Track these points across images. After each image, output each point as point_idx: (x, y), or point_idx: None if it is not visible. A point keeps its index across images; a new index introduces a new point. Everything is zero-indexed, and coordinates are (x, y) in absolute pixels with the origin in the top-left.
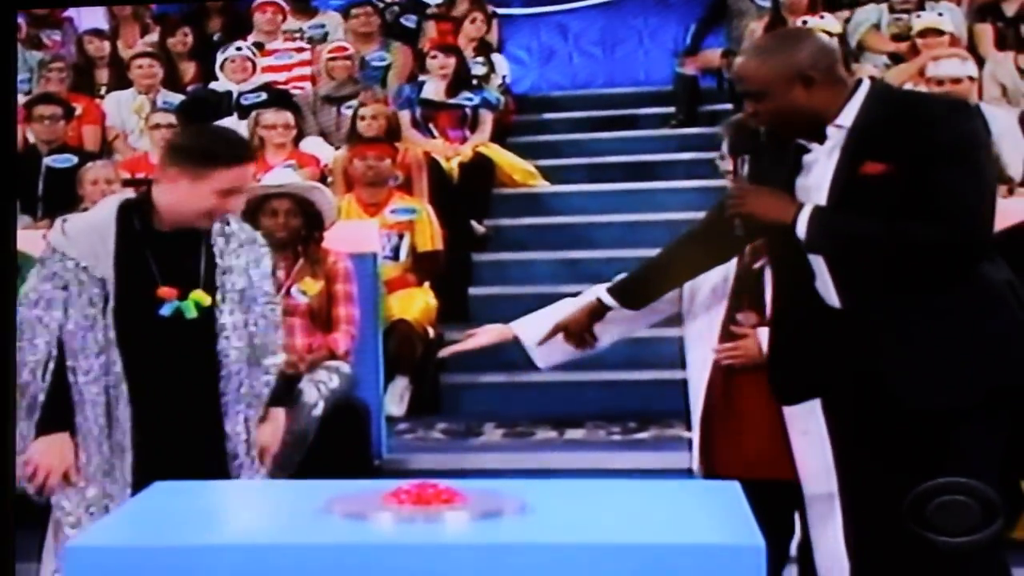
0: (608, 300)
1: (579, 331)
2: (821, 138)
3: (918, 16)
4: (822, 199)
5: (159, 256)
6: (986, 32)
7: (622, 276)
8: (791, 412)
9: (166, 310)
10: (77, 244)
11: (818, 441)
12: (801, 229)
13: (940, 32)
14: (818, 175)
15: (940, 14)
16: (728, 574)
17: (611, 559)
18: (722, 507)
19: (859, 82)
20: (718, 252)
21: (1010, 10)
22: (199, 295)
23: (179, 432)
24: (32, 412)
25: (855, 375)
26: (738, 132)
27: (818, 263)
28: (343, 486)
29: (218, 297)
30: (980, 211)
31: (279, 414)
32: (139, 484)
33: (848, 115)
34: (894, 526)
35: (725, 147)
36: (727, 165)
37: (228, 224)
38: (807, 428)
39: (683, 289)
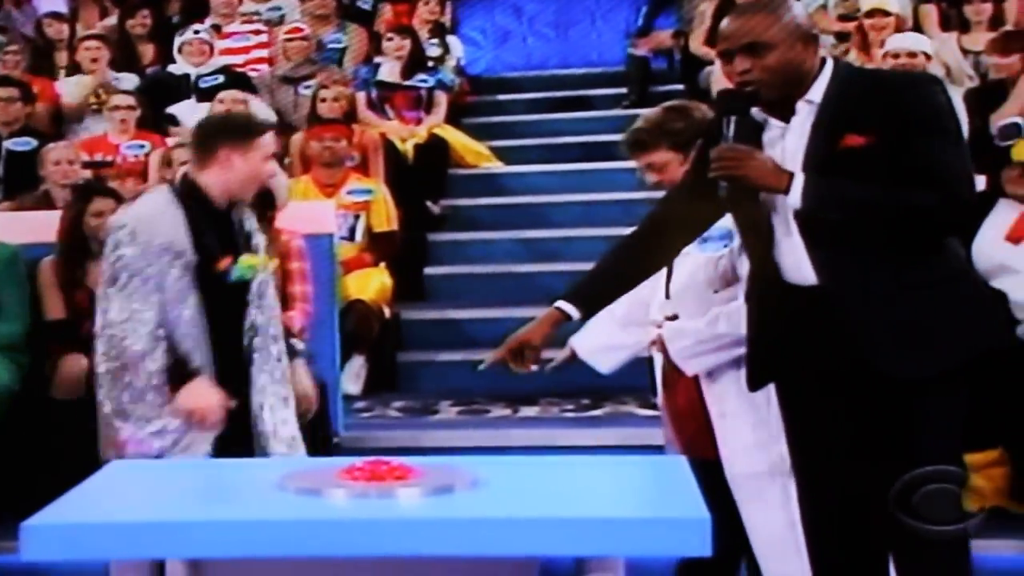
0: (567, 308)
1: (537, 342)
2: (786, 114)
3: None
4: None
5: (213, 231)
6: (931, 13)
7: (576, 283)
8: (710, 394)
9: (234, 274)
10: (157, 229)
11: (737, 423)
12: (795, 196)
13: (886, 13)
14: (790, 150)
15: None
16: (675, 547)
17: (559, 533)
18: (669, 482)
19: (824, 60)
20: (678, 238)
21: None
22: (250, 259)
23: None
24: (150, 379)
25: (829, 348)
26: (730, 95)
27: (792, 239)
28: (298, 463)
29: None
30: (966, 176)
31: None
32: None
33: (817, 91)
34: (856, 506)
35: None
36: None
37: None
38: (723, 411)
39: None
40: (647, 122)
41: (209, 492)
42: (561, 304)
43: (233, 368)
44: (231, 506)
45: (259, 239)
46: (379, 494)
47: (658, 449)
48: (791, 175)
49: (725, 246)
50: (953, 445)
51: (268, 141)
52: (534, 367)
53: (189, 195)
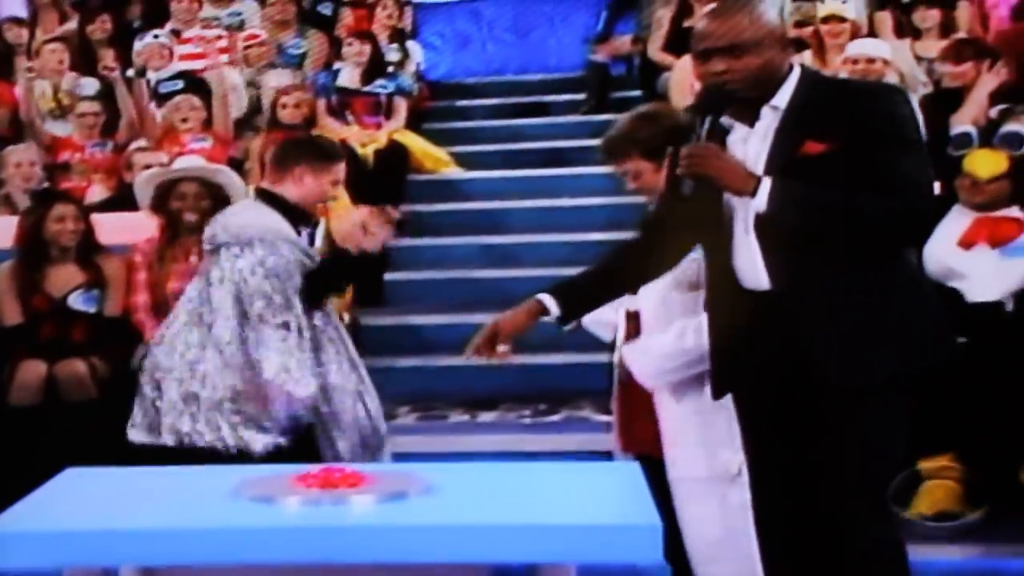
0: (547, 302)
1: (512, 332)
2: (751, 118)
3: (821, 2)
4: None
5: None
6: (886, 19)
7: (564, 281)
8: (660, 396)
9: None
10: (278, 231)
11: (684, 426)
12: (761, 199)
13: (843, 19)
14: (752, 154)
15: (844, 1)
16: (626, 553)
17: (511, 539)
18: (622, 488)
19: (791, 67)
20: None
21: None
22: None
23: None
24: None
25: (780, 354)
26: (713, 92)
27: (749, 244)
28: (253, 471)
29: None
30: (927, 187)
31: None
32: None
33: (783, 96)
34: (805, 508)
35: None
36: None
37: None
38: (671, 413)
39: None
40: (617, 130)
41: (163, 499)
42: (542, 297)
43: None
44: (185, 513)
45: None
46: (332, 501)
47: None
48: (759, 179)
49: None
50: (891, 452)
51: (340, 168)
52: (504, 351)
53: (272, 203)
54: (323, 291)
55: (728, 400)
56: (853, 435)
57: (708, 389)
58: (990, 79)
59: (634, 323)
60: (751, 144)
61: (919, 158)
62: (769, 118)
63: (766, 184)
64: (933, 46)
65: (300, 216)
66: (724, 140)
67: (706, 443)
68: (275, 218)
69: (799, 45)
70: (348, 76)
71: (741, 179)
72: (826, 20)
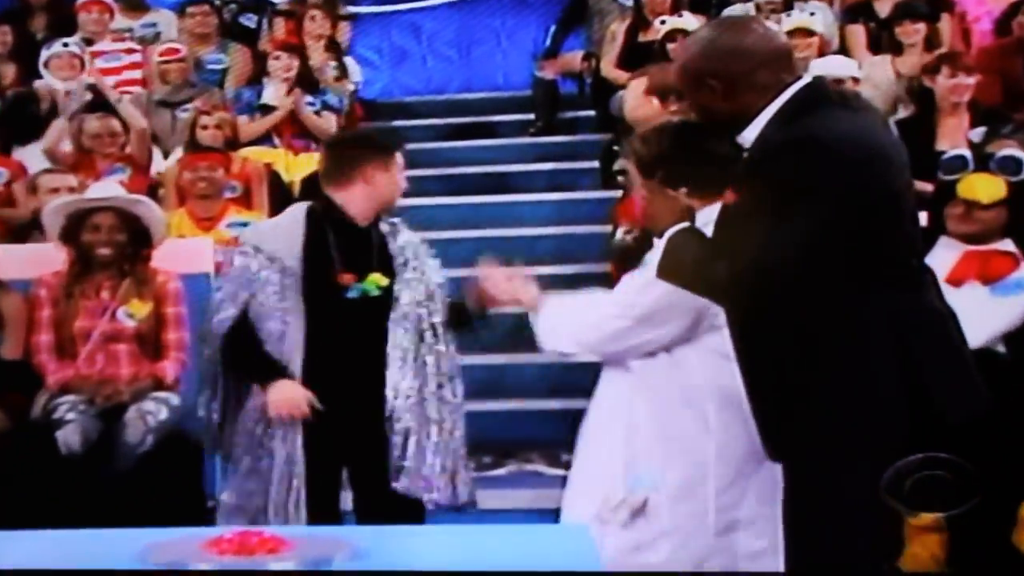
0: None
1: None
2: None
3: (787, 15)
4: None
5: (341, 248)
6: (858, 34)
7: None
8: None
9: (354, 292)
10: (267, 240)
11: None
12: (661, 243)
13: (810, 32)
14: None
15: (812, 13)
16: None
17: None
18: (569, 554)
19: (781, 88)
20: None
21: (883, 10)
22: (377, 277)
23: (344, 396)
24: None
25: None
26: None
27: None
28: (163, 533)
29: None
30: (778, 258)
31: None
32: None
33: (754, 128)
34: None
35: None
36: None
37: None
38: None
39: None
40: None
41: (64, 564)
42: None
43: (354, 383)
44: None
45: (407, 255)
46: (248, 568)
47: None
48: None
49: None
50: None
51: (401, 159)
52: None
53: (327, 214)
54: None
55: None
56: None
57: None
58: None
59: None
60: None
61: (788, 225)
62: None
63: (671, 231)
64: (915, 62)
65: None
66: None
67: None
68: (275, 226)
69: None
70: (274, 93)
71: (662, 226)
72: (792, 34)
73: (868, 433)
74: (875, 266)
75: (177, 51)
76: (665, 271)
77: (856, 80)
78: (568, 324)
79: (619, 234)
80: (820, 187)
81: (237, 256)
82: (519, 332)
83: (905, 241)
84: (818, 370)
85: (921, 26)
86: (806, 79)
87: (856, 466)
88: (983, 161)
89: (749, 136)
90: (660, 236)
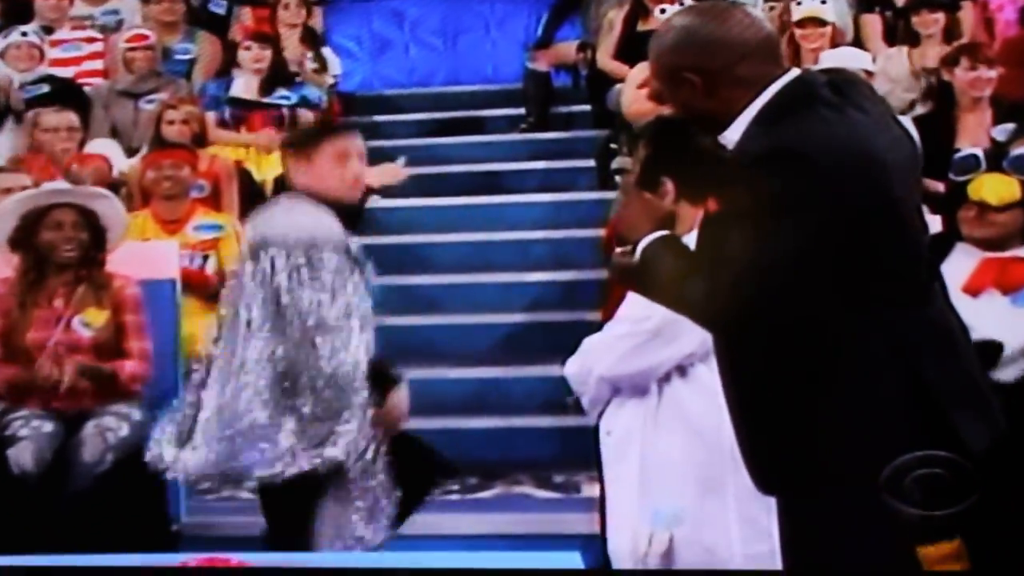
0: None
1: None
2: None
3: (797, 4)
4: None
5: None
6: (873, 23)
7: None
8: None
9: None
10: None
11: None
12: (637, 253)
13: (821, 22)
14: None
15: (823, 1)
16: None
17: None
18: None
19: (766, 83)
20: None
21: None
22: None
23: None
24: None
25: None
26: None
27: None
28: (123, 560)
29: None
30: (762, 277)
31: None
32: None
33: (737, 128)
34: None
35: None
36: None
37: None
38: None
39: None
40: None
41: None
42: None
43: None
44: None
45: None
46: None
47: (559, 539)
48: (655, 229)
49: None
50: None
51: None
52: None
53: None
54: None
55: None
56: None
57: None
58: None
59: None
60: None
61: (762, 242)
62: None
63: (645, 241)
64: (934, 54)
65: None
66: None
67: None
68: None
69: None
70: (244, 86)
71: (638, 229)
72: (801, 24)
73: (876, 465)
74: (874, 282)
75: (146, 37)
76: (639, 285)
77: (870, 74)
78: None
79: (616, 251)
80: (802, 202)
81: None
82: (507, 343)
83: (908, 251)
84: (817, 398)
85: (940, 15)
86: (793, 72)
87: (862, 500)
88: (998, 160)
89: (732, 136)
90: (634, 246)
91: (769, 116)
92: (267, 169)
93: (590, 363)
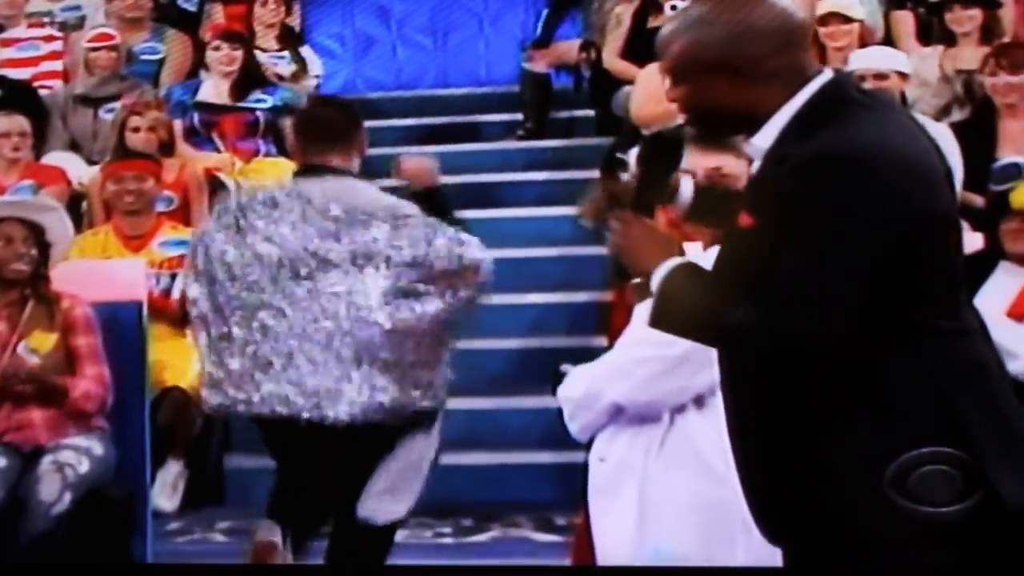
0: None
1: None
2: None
3: None
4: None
5: None
6: (906, 21)
7: None
8: None
9: None
10: None
11: None
12: (654, 285)
13: (847, 19)
14: None
15: None
16: None
17: None
18: None
19: (805, 80)
20: None
21: None
22: None
23: None
24: None
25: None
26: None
27: None
28: None
29: None
30: (811, 300)
31: None
32: None
33: (769, 132)
34: None
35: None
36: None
37: None
38: None
39: None
40: None
41: None
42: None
43: None
44: None
45: None
46: None
47: None
48: (668, 257)
49: None
50: None
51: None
52: None
53: None
54: None
55: None
56: None
57: None
58: None
59: None
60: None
61: (810, 262)
62: (758, 161)
63: (663, 269)
64: (971, 55)
65: None
66: None
67: None
68: None
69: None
70: (213, 89)
71: (648, 260)
72: (826, 20)
73: (902, 521)
74: (913, 307)
75: (110, 36)
76: (662, 322)
77: (904, 76)
78: (587, 369)
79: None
80: (855, 212)
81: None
82: (502, 371)
83: (949, 274)
84: (842, 437)
85: (976, 12)
86: (828, 73)
87: (883, 557)
88: None
89: (761, 144)
90: (641, 275)
91: (810, 120)
92: (244, 177)
93: (600, 387)
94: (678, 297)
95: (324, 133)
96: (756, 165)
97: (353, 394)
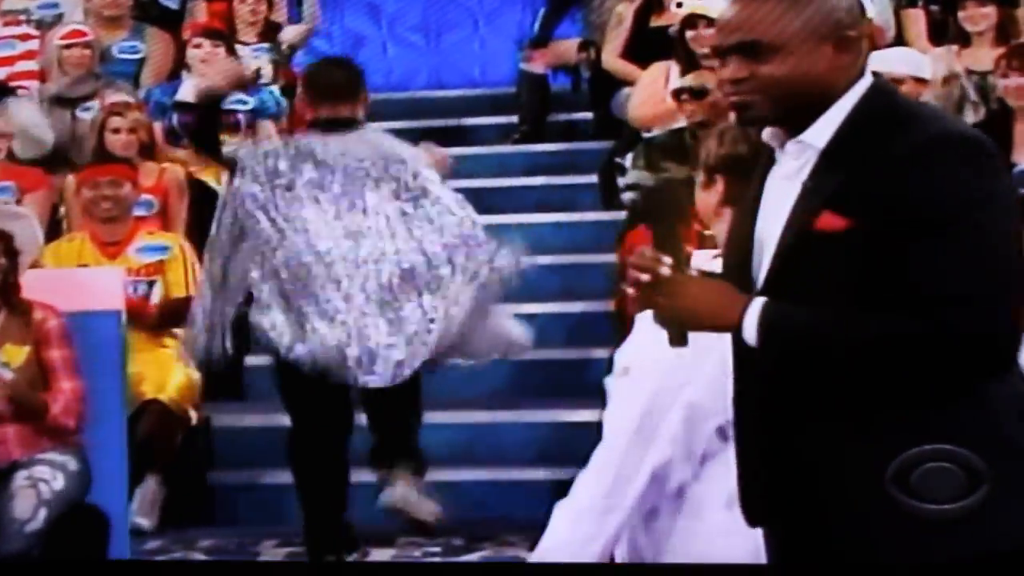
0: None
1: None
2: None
3: None
4: (768, 258)
5: None
6: (918, 20)
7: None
8: None
9: None
10: None
11: None
12: (750, 334)
13: None
14: (772, 216)
15: None
16: None
17: None
18: None
19: (858, 76)
20: None
21: None
22: None
23: None
24: None
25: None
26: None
27: None
28: None
29: None
30: (979, 294)
31: None
32: None
33: (823, 130)
34: None
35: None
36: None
37: None
38: None
39: None
40: None
41: None
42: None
43: None
44: None
45: None
46: None
47: None
48: (747, 303)
49: None
50: None
51: None
52: None
53: None
54: None
55: None
56: None
57: None
58: None
59: None
60: (779, 197)
61: (966, 252)
62: (800, 160)
63: (753, 312)
64: (986, 55)
65: None
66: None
67: None
68: None
69: None
70: (194, 89)
71: (720, 309)
72: None
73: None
74: None
75: (83, 33)
76: (771, 350)
77: (923, 82)
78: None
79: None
80: (1002, 195)
81: None
82: (499, 385)
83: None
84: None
85: (991, 10)
86: (869, 75)
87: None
88: None
89: (815, 142)
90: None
91: (879, 118)
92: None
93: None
94: (799, 330)
95: (334, 90)
96: (791, 164)
97: None
